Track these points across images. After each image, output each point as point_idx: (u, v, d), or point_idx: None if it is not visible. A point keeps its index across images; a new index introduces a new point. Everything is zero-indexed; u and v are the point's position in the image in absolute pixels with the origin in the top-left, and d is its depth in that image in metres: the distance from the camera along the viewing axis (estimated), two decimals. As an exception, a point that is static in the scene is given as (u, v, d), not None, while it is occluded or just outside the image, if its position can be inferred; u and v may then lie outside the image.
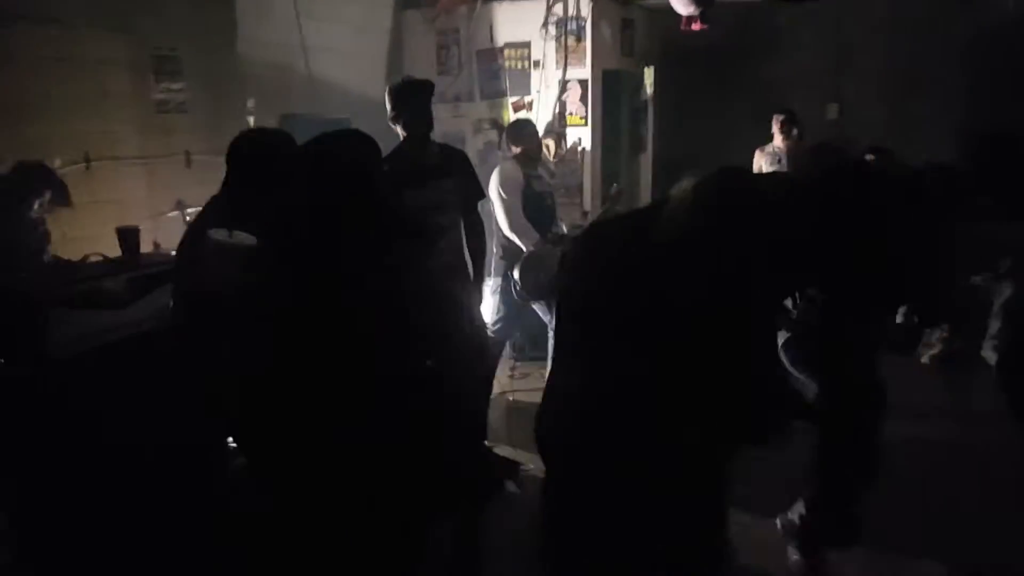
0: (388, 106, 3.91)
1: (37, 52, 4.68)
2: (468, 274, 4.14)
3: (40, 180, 4.17)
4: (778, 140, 6.31)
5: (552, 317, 5.15)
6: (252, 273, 2.21)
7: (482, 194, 4.33)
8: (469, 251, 4.18)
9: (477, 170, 4.35)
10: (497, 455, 4.26)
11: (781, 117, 6.28)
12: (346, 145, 2.23)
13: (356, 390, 2.08)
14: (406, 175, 3.74)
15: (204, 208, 2.86)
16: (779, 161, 6.27)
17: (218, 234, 2.60)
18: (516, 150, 5.00)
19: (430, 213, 3.86)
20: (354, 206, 2.13)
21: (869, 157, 5.81)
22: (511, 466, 4.23)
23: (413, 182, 3.77)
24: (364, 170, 2.20)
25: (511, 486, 4.07)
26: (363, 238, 2.15)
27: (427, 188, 3.87)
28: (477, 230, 4.23)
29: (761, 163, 6.35)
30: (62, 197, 4.25)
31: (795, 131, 6.27)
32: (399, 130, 3.93)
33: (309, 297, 2.05)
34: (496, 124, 6.80)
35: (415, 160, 3.87)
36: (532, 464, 4.24)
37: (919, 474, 3.93)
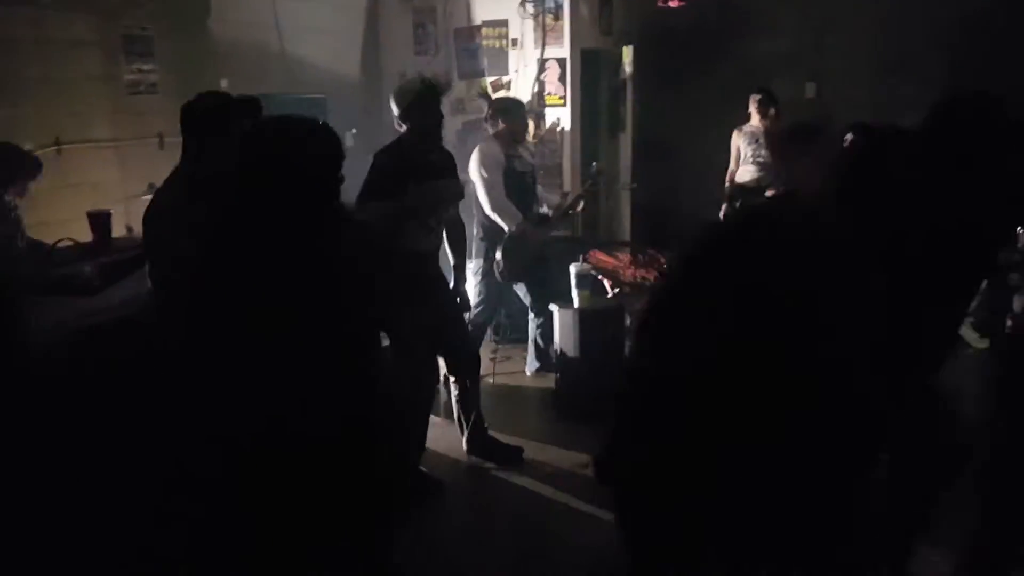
0: (398, 104, 3.86)
1: (6, 33, 4.57)
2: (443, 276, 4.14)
3: (10, 162, 4.08)
4: (755, 120, 6.30)
5: (531, 298, 5.16)
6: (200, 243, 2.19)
7: (463, 194, 4.27)
8: (450, 246, 4.15)
9: (456, 151, 4.34)
10: (497, 440, 4.22)
11: (758, 96, 6.27)
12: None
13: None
14: (416, 170, 3.73)
15: (163, 183, 2.86)
16: (756, 141, 6.27)
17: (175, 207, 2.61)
18: (501, 127, 4.96)
19: (437, 209, 3.88)
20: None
21: (848, 136, 5.84)
22: (513, 452, 4.19)
23: (423, 177, 3.74)
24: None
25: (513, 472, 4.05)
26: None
27: (436, 184, 3.85)
28: (459, 228, 4.24)
29: (739, 143, 6.35)
30: (35, 169, 4.15)
31: (772, 110, 6.26)
32: (403, 127, 3.89)
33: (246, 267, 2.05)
34: (485, 96, 6.72)
35: (424, 156, 3.83)
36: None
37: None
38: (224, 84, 5.73)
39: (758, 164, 6.29)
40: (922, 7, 6.70)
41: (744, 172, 6.36)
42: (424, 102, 3.81)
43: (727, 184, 6.45)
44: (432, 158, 3.91)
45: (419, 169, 3.74)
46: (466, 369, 4.13)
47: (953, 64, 6.55)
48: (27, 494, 2.75)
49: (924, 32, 6.69)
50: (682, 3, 6.75)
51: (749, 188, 6.38)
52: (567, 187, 6.76)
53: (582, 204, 5.53)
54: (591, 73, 7.29)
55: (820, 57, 7.30)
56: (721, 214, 6.53)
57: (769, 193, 6.35)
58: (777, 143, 6.22)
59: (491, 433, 4.24)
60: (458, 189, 4.03)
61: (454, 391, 4.16)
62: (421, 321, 3.68)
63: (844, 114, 6.45)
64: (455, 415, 4.22)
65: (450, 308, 4.04)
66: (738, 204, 6.43)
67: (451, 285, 4.11)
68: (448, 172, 4.01)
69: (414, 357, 3.73)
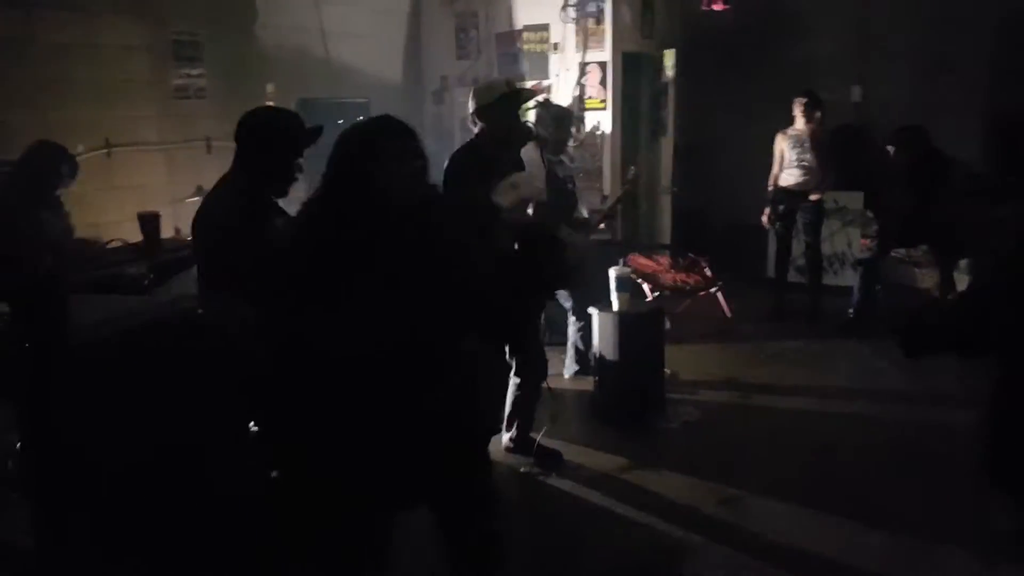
0: (479, 101, 3.83)
1: (58, 38, 4.70)
2: None
3: (62, 160, 4.18)
4: (800, 123, 6.23)
5: (571, 302, 5.15)
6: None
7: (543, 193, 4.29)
8: None
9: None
10: (542, 445, 4.21)
11: (803, 100, 6.20)
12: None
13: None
14: (492, 168, 3.75)
15: (213, 190, 2.86)
16: (801, 144, 6.20)
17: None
18: (545, 133, 4.96)
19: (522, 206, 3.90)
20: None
21: (890, 148, 5.76)
22: (553, 455, 4.18)
23: (500, 175, 3.76)
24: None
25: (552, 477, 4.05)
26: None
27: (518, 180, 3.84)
28: None
29: (783, 146, 6.28)
30: (73, 173, 4.26)
31: (817, 114, 6.19)
32: (476, 126, 3.88)
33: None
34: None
35: (498, 157, 3.85)
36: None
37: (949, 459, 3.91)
38: (270, 88, 5.83)
39: (802, 168, 6.22)
40: (965, 9, 6.58)
41: (787, 176, 6.29)
42: (503, 105, 3.80)
43: (770, 187, 6.39)
44: (504, 159, 3.92)
45: (495, 168, 3.76)
46: (538, 368, 4.11)
47: (995, 66, 6.43)
48: (75, 489, 2.82)
49: (967, 34, 6.58)
50: (726, 6, 6.70)
51: (792, 192, 6.31)
52: (607, 191, 6.75)
53: (620, 208, 5.51)
54: (632, 76, 7.28)
55: (864, 60, 7.20)
56: (764, 218, 6.47)
57: (813, 198, 6.29)
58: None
59: (532, 435, 4.24)
60: (539, 187, 4.04)
61: (513, 389, 4.15)
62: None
63: (889, 117, 6.39)
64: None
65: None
66: (781, 208, 6.36)
67: None
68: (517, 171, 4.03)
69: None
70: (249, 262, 2.65)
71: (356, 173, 2.19)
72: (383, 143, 2.23)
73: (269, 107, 2.89)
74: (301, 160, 2.86)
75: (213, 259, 2.75)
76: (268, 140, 2.79)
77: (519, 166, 4.07)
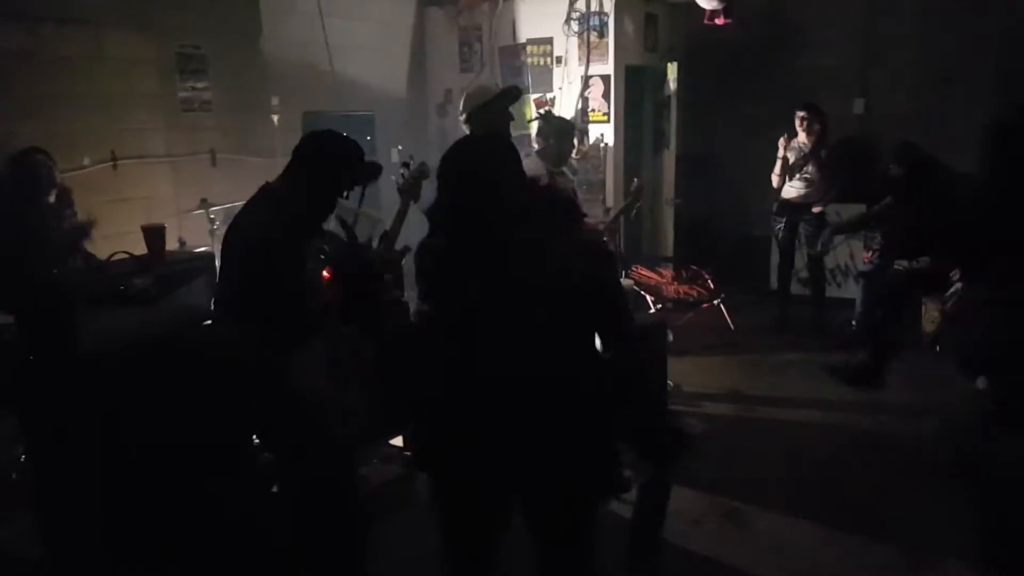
0: (466, 107, 3.96)
1: (63, 51, 4.73)
2: None
3: (48, 167, 4.19)
4: (801, 135, 6.25)
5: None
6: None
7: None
8: None
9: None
10: None
11: (803, 113, 6.22)
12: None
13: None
14: None
15: (268, 205, 2.80)
16: (803, 155, 6.22)
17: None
18: (547, 146, 4.99)
19: None
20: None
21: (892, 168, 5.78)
22: None
23: None
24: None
25: None
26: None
27: None
28: None
29: (788, 155, 6.29)
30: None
31: (817, 126, 6.21)
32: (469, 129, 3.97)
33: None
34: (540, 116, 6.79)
35: None
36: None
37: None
38: (275, 102, 5.86)
39: (804, 180, 6.23)
40: (968, 21, 6.60)
41: (789, 189, 6.31)
42: (491, 107, 3.87)
43: (775, 176, 6.31)
44: None
45: None
46: None
47: (999, 77, 6.45)
48: (84, 500, 2.83)
49: (970, 46, 6.59)
50: (728, 20, 6.73)
51: (795, 204, 6.32)
52: (610, 203, 6.76)
53: (623, 220, 5.52)
54: (635, 89, 7.31)
55: (867, 72, 7.22)
56: (777, 230, 6.46)
57: (816, 210, 6.30)
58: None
59: None
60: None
61: None
62: None
63: (892, 130, 6.41)
64: None
65: None
66: (784, 220, 6.37)
67: None
68: None
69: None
70: (288, 278, 2.67)
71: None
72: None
73: (343, 135, 2.87)
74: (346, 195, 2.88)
75: (248, 269, 2.71)
76: (337, 167, 2.78)
77: None
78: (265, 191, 2.81)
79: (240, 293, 2.74)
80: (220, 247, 2.90)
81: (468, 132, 3.95)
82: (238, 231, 2.77)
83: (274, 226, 2.67)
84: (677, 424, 2.50)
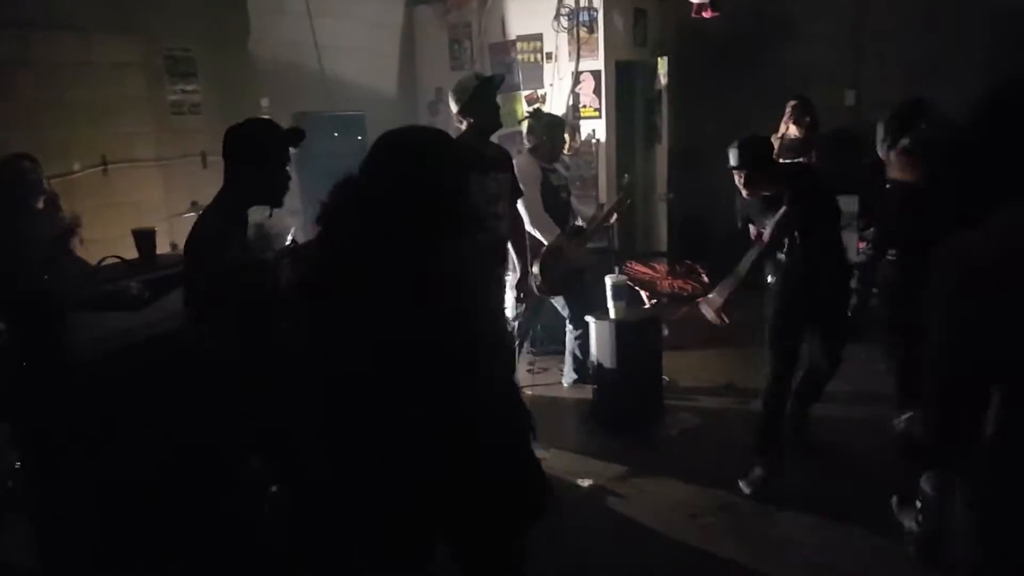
0: (458, 100, 3.94)
1: (52, 57, 4.72)
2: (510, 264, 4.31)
3: (35, 173, 4.16)
4: (793, 128, 6.24)
5: (569, 310, 5.17)
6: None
7: (521, 191, 4.36)
8: (512, 244, 4.26)
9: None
10: None
11: (793, 103, 6.21)
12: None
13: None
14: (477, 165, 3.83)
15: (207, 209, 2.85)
16: (793, 149, 6.21)
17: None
18: (540, 143, 4.99)
19: (491, 203, 3.98)
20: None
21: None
22: None
23: (478, 172, 3.82)
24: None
25: None
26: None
27: (489, 179, 3.98)
28: (519, 223, 4.40)
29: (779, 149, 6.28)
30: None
31: (808, 118, 6.19)
32: (463, 123, 3.97)
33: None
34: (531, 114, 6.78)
35: (480, 151, 3.92)
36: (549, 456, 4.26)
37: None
38: (264, 103, 5.84)
39: (796, 173, 6.23)
40: (957, 11, 6.61)
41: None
42: (483, 95, 3.89)
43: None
44: (489, 155, 4.01)
45: (479, 164, 3.84)
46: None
47: (990, 67, 6.45)
48: (76, 506, 2.82)
49: (960, 36, 6.60)
50: (715, 14, 6.73)
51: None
52: (603, 199, 6.76)
53: (616, 216, 5.52)
54: (626, 84, 7.30)
55: (858, 64, 7.23)
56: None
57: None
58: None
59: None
60: (505, 181, 4.12)
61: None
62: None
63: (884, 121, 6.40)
64: None
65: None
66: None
67: (515, 280, 4.29)
68: (501, 168, 4.11)
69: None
70: (233, 287, 2.65)
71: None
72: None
73: (250, 119, 2.86)
74: (288, 168, 2.87)
75: (200, 283, 2.73)
76: (252, 152, 2.77)
77: (502, 155, 4.17)
78: (214, 200, 2.86)
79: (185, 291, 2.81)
80: None
81: (463, 128, 3.94)
82: (187, 247, 2.81)
83: (212, 235, 2.71)
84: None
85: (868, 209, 6.57)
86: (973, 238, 1.56)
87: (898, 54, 6.98)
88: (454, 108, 3.96)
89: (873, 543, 3.37)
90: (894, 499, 3.39)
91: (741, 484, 3.83)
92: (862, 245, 6.53)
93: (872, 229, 6.37)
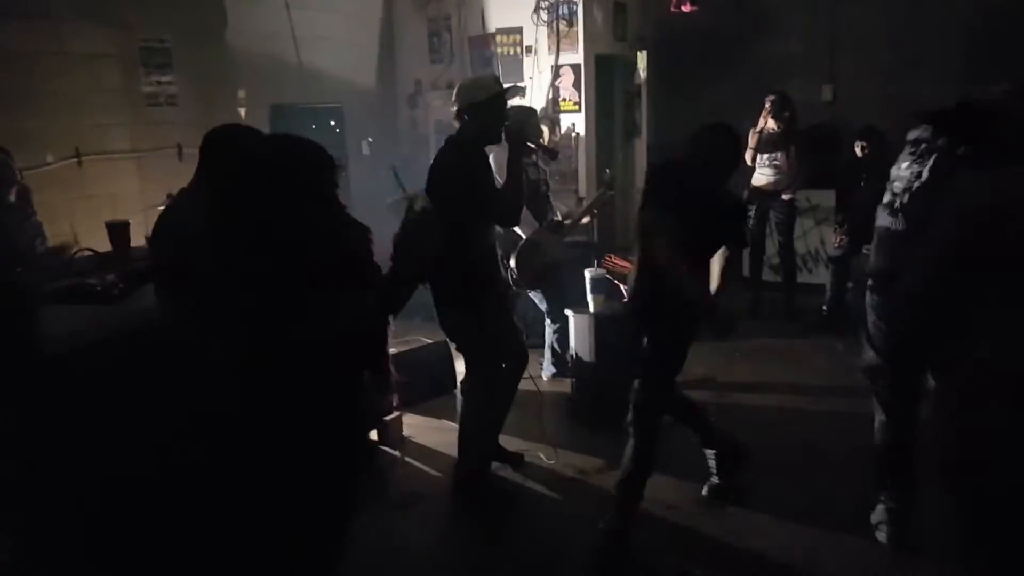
0: (471, 97, 3.71)
1: (27, 47, 4.65)
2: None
3: (7, 165, 4.09)
4: (770, 122, 6.27)
5: (547, 304, 5.16)
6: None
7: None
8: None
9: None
10: (501, 447, 4.21)
11: (771, 98, 6.25)
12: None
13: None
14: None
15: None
16: (772, 144, 6.24)
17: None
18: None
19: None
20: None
21: (860, 143, 5.84)
22: (515, 457, 4.20)
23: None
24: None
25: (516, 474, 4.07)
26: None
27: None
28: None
29: (754, 145, 6.31)
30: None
31: (786, 113, 6.23)
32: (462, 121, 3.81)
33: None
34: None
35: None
36: (540, 454, 4.26)
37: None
38: (241, 95, 5.79)
39: (773, 167, 6.27)
40: (935, 7, 6.67)
41: (759, 176, 6.34)
42: (495, 103, 3.72)
43: (749, 150, 6.20)
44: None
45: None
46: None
47: (967, 63, 6.51)
48: (50, 504, 2.79)
49: (937, 32, 6.66)
50: (694, 7, 6.74)
51: (765, 191, 6.35)
52: (583, 192, 6.77)
53: (595, 211, 5.51)
54: (605, 78, 7.31)
55: (834, 59, 7.27)
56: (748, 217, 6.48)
57: (786, 197, 6.32)
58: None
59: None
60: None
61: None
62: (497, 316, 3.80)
63: (860, 115, 6.45)
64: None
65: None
66: (755, 208, 6.38)
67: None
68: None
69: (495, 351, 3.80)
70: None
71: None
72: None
73: (231, 125, 2.86)
74: None
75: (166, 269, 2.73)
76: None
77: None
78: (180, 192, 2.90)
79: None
80: None
81: (458, 127, 3.78)
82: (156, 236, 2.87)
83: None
84: None
85: (844, 204, 6.63)
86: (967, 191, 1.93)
87: (875, 50, 7.03)
88: (458, 103, 3.76)
89: (854, 535, 3.39)
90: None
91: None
92: (837, 241, 6.58)
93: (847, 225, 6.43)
